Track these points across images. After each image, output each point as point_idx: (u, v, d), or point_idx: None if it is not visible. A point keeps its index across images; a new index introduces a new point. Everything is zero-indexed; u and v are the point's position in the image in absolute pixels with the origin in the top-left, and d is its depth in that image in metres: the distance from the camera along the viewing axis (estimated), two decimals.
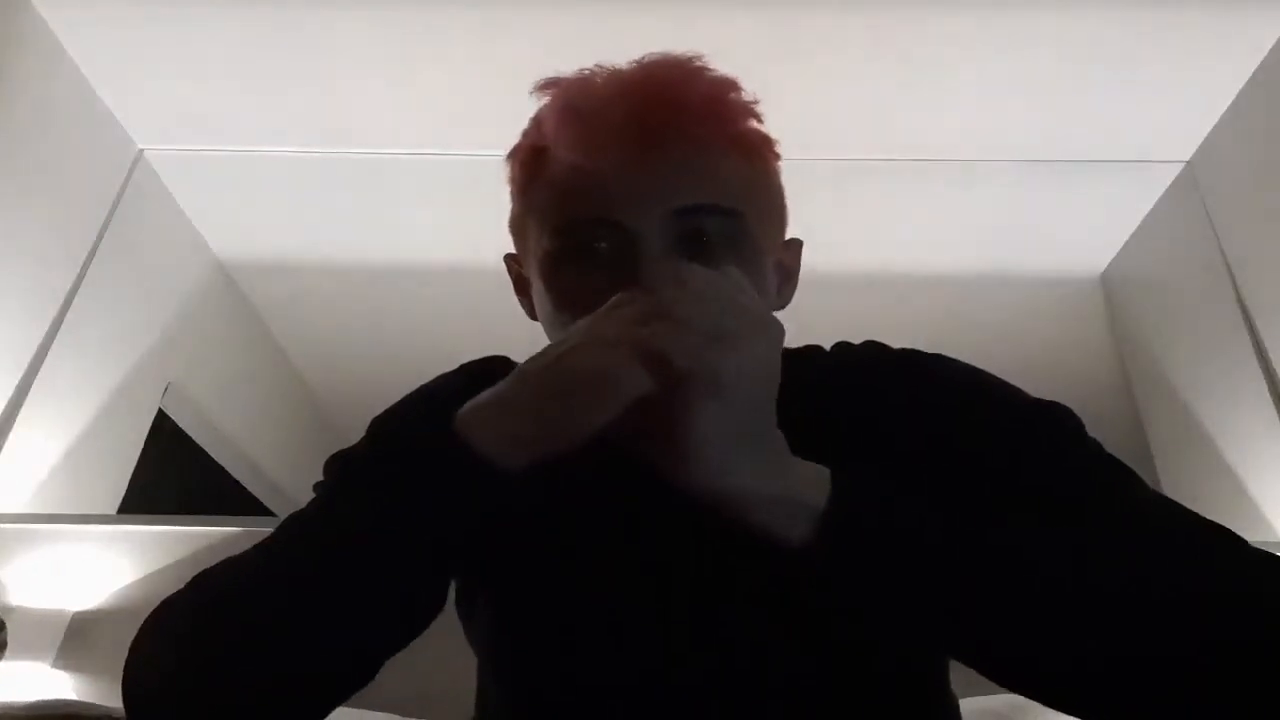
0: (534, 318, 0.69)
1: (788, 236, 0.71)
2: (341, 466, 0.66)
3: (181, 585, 0.55)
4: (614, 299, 0.50)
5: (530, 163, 0.66)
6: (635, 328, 0.47)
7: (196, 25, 1.95)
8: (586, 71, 0.64)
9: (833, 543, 0.48)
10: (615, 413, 0.46)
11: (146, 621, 0.54)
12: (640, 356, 0.46)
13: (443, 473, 0.50)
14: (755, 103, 0.65)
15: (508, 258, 0.74)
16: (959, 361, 0.68)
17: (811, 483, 0.49)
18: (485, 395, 0.51)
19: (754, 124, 0.65)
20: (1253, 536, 0.51)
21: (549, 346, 0.51)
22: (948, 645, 0.49)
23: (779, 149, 0.68)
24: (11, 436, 1.86)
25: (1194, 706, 0.46)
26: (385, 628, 0.52)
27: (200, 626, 0.52)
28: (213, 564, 0.55)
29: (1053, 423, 0.61)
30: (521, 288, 0.72)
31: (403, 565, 0.50)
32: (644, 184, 0.60)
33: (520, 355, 0.55)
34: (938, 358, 0.68)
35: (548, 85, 0.64)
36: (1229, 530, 0.52)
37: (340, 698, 0.53)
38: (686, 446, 0.46)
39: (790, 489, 0.48)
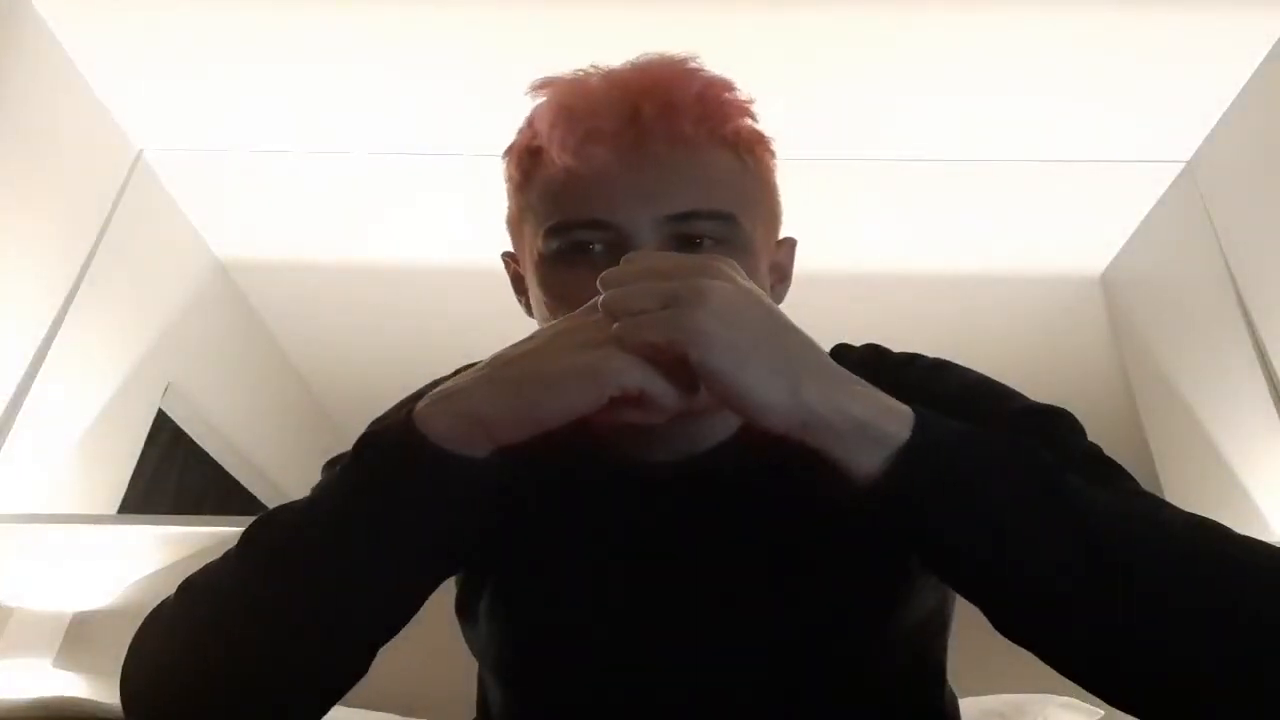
0: (532, 315, 0.69)
1: (782, 235, 0.71)
2: (328, 467, 0.67)
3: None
4: (588, 303, 0.51)
5: (525, 162, 0.66)
6: (598, 329, 0.48)
7: (196, 25, 1.94)
8: (581, 72, 0.64)
9: (909, 475, 0.46)
10: (585, 405, 0.46)
11: (139, 629, 0.55)
12: (623, 349, 0.46)
13: (399, 460, 0.50)
14: (750, 102, 0.65)
15: (505, 256, 0.74)
16: (960, 366, 0.68)
17: (892, 414, 0.47)
18: (445, 386, 0.51)
19: (748, 123, 0.65)
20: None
21: (514, 344, 0.52)
22: (991, 598, 0.48)
23: (774, 146, 0.68)
24: (11, 436, 1.86)
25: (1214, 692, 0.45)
26: (364, 624, 0.52)
27: (187, 633, 0.53)
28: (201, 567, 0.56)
29: (1054, 427, 0.60)
30: (519, 286, 0.72)
31: (373, 556, 0.50)
32: (638, 186, 0.60)
33: None
34: (938, 363, 0.68)
35: (543, 85, 0.64)
36: (1228, 528, 0.52)
37: (328, 694, 0.53)
38: (744, 400, 0.45)
39: (870, 415, 0.47)
